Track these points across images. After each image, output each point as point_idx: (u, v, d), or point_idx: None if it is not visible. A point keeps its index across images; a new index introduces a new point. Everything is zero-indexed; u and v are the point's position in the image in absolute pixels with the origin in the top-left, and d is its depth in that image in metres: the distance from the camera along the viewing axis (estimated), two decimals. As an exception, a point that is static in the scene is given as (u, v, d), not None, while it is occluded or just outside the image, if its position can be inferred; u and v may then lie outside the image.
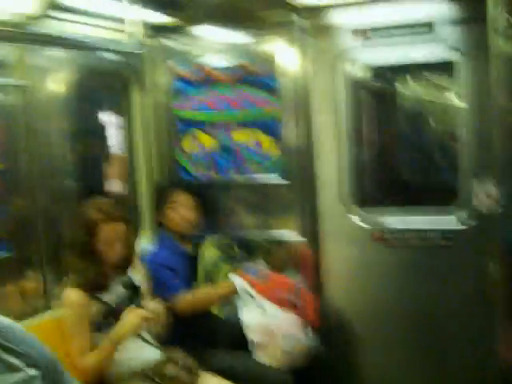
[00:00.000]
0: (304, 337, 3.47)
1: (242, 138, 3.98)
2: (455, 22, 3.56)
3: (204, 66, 4.03)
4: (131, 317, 2.93)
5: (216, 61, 4.05)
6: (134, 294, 3.14)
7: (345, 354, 4.04)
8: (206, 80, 4.03)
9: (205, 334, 3.54)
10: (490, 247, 3.30)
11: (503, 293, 3.18)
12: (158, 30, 4.12)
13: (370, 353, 4.00)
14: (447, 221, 3.73)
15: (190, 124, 4.13)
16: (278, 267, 3.81)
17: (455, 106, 3.88)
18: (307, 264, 3.94)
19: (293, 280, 3.66)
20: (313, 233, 3.95)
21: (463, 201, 3.66)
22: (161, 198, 3.79)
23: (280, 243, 4.00)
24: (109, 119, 4.75)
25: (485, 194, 3.44)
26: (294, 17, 3.81)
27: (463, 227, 3.66)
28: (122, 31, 3.79)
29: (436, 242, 3.72)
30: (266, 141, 3.91)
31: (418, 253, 3.79)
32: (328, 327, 3.93)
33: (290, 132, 3.90)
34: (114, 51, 3.84)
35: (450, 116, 4.88)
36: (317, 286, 3.95)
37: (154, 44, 4.13)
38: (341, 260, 3.99)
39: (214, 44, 4.07)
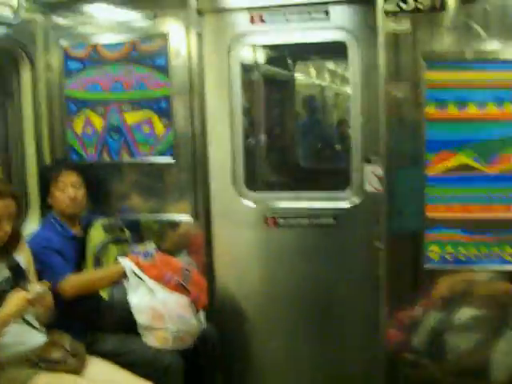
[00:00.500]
0: (193, 319, 3.46)
1: (134, 118, 3.89)
2: (349, 3, 3.58)
3: (96, 45, 3.92)
4: (15, 299, 2.80)
5: (109, 40, 3.92)
6: (18, 276, 3.02)
7: (236, 335, 4.04)
8: (99, 59, 3.92)
9: (92, 317, 3.46)
10: (376, 228, 3.38)
11: (386, 273, 3.24)
12: (50, 7, 3.98)
13: (261, 334, 4.02)
14: (338, 202, 3.78)
15: (81, 104, 4.01)
16: (169, 249, 3.80)
17: (347, 90, 3.93)
18: (198, 246, 3.93)
19: (183, 262, 3.64)
20: (205, 215, 3.91)
21: (354, 184, 3.71)
22: (47, 178, 3.69)
23: (171, 225, 3.96)
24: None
25: (374, 176, 3.51)
26: (190, -3, 3.76)
27: (353, 207, 3.72)
28: (9, 5, 3.64)
29: (326, 223, 3.76)
30: (158, 122, 3.85)
31: (309, 235, 3.82)
32: (219, 309, 3.96)
33: (183, 114, 3.84)
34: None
35: (344, 101, 4.96)
36: (208, 268, 3.95)
37: (45, 22, 3.99)
38: (233, 243, 3.98)
39: (107, 22, 3.95)
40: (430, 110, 3.07)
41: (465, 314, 3.25)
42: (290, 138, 5.41)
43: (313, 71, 5.58)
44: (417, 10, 3.04)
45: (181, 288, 3.47)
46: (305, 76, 5.53)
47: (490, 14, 3.03)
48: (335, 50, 3.99)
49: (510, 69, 3.02)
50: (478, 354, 3.24)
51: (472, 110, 3.04)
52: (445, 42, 3.08)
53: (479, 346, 3.23)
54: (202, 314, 3.61)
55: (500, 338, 3.19)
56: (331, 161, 5.43)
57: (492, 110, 3.03)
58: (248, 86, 3.81)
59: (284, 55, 4.92)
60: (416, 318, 3.30)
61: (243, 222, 3.93)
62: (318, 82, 5.80)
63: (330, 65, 5.59)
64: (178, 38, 3.81)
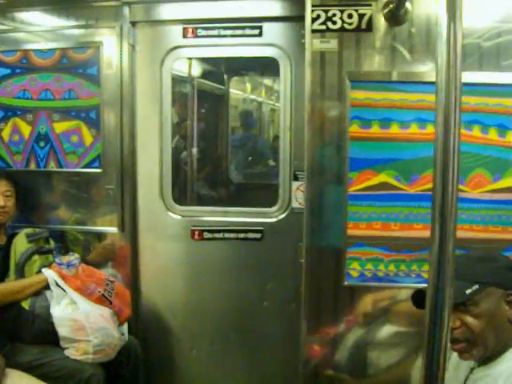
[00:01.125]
0: (116, 331, 3.43)
1: (63, 127, 3.85)
2: (282, 21, 3.65)
3: (27, 52, 3.88)
4: None
5: (40, 47, 3.87)
6: None
7: (160, 347, 4.03)
8: (29, 66, 3.88)
9: (12, 328, 3.40)
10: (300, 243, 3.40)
11: (307, 289, 3.27)
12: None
13: (185, 346, 4.01)
14: (265, 218, 3.81)
15: (9, 111, 3.95)
16: (94, 261, 3.78)
17: (279, 106, 3.97)
18: (124, 259, 3.90)
19: (107, 274, 3.62)
20: (132, 228, 3.89)
21: (282, 200, 3.75)
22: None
23: (98, 237, 3.92)
24: None
25: (301, 193, 3.55)
26: (125, 9, 3.75)
27: (279, 222, 3.76)
28: None
29: (253, 237, 3.80)
30: (86, 132, 3.81)
31: (236, 250, 3.84)
32: (144, 321, 3.96)
33: (112, 125, 3.82)
34: None
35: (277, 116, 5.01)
36: (134, 280, 3.93)
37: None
38: (159, 255, 3.97)
39: (39, 29, 3.91)
40: (354, 129, 3.11)
41: (386, 330, 3.30)
42: (222, 152, 5.42)
43: (249, 86, 5.62)
44: (344, 29, 3.09)
45: (104, 300, 3.44)
46: (240, 91, 5.57)
47: (415, 36, 3.10)
48: (270, 67, 4.04)
49: (432, 91, 3.08)
50: (398, 370, 3.28)
51: (395, 130, 3.09)
52: (370, 63, 3.13)
53: (399, 361, 3.27)
54: (125, 327, 3.59)
55: (420, 354, 3.23)
56: (262, 176, 5.45)
57: (414, 130, 3.09)
58: (181, 99, 3.80)
59: (219, 70, 4.95)
60: (337, 333, 3.32)
61: (170, 235, 3.93)
62: (253, 97, 5.84)
63: (267, 81, 5.63)
64: (111, 48, 3.79)
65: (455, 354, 2.69)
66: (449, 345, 1.49)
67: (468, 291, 2.26)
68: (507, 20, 3.11)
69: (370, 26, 3.08)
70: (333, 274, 3.22)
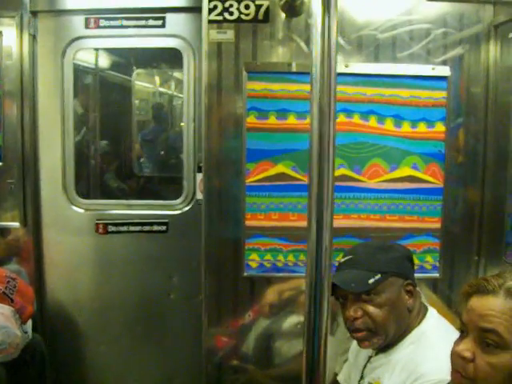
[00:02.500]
0: (18, 330, 3.33)
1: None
2: (185, 12, 3.62)
3: None
4: None
5: None
6: None
7: (67, 343, 3.94)
8: None
9: None
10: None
11: (207, 281, 3.25)
12: None
13: (93, 342, 3.95)
14: (169, 210, 3.79)
15: None
16: (-5, 257, 3.68)
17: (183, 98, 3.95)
18: (28, 254, 3.80)
19: (8, 271, 3.52)
20: (35, 222, 3.79)
21: (186, 192, 3.74)
22: None
23: (0, 232, 3.80)
24: None
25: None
26: (25, -1, 3.66)
27: (184, 215, 3.75)
28: None
29: (158, 230, 3.77)
30: (-14, 124, 3.71)
31: (140, 243, 3.79)
32: (50, 318, 3.88)
33: (13, 117, 3.70)
34: None
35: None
36: (38, 277, 3.83)
37: None
38: (64, 250, 3.88)
39: None
40: (251, 120, 3.10)
41: (289, 321, 3.31)
42: (128, 145, 5.36)
43: (156, 79, 5.58)
44: (241, 20, 3.08)
45: (4, 298, 3.35)
46: (147, 83, 5.52)
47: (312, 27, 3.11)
48: (175, 58, 4.00)
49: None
50: (302, 360, 3.30)
51: (292, 121, 3.10)
52: (268, 54, 3.12)
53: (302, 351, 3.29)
54: (29, 324, 3.50)
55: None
56: (169, 169, 5.42)
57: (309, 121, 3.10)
58: (84, 90, 3.73)
59: (124, 61, 4.89)
60: (240, 325, 3.32)
61: (74, 229, 3.84)
62: (160, 89, 5.80)
63: (174, 73, 5.59)
64: (11, 38, 3.67)
65: (356, 344, 2.74)
66: (328, 334, 1.49)
67: (371, 281, 2.30)
68: (403, 13, 3.15)
69: (266, 17, 3.07)
70: (232, 266, 3.22)
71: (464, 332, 1.75)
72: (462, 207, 3.30)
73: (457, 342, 1.76)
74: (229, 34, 3.08)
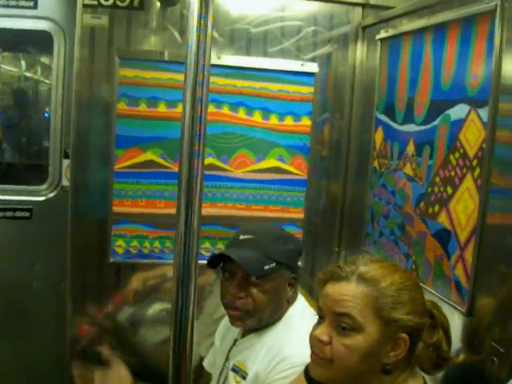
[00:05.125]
0: None
1: None
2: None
3: None
4: None
5: None
6: None
7: None
8: None
9: None
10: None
11: (72, 268, 3.22)
12: None
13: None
14: (33, 196, 3.72)
15: None
16: None
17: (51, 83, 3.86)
18: None
19: None
20: None
21: (52, 178, 3.70)
22: None
23: None
24: None
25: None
26: None
27: (48, 201, 3.71)
28: None
29: (21, 216, 3.70)
30: None
31: (3, 229, 3.69)
32: None
33: None
34: None
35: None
36: None
37: None
38: None
39: None
40: (122, 107, 3.08)
41: (154, 308, 3.32)
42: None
43: (24, 63, 5.42)
44: (116, 6, 3.05)
45: None
46: (14, 67, 5.35)
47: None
48: (46, 42, 3.91)
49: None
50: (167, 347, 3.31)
51: (162, 109, 3.11)
52: (142, 41, 3.11)
53: (168, 338, 3.30)
54: None
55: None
56: (33, 155, 5.27)
57: (181, 110, 3.11)
58: None
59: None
60: (106, 312, 3.30)
61: None
62: (28, 74, 5.63)
63: (46, 57, 5.44)
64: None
65: (222, 327, 2.78)
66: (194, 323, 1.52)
67: (266, 267, 2.33)
68: (275, 9, 3.24)
69: (142, 5, 3.06)
70: (98, 252, 3.19)
71: (321, 317, 1.84)
72: (325, 199, 3.44)
73: (315, 327, 1.85)
74: (103, 20, 3.05)
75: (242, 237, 2.45)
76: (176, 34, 3.13)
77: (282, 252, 2.40)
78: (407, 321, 1.74)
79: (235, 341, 2.56)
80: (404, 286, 1.79)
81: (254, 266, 2.32)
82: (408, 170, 2.69)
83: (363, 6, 3.32)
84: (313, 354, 1.82)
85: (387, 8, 3.12)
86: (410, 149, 2.68)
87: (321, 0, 3.29)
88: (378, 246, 3.03)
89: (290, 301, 2.46)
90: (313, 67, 3.28)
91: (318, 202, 3.41)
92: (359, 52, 3.35)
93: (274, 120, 3.25)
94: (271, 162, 3.28)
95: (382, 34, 3.05)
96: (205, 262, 2.36)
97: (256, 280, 2.33)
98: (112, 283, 3.26)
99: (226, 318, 2.65)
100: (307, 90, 3.28)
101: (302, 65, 3.27)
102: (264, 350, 2.39)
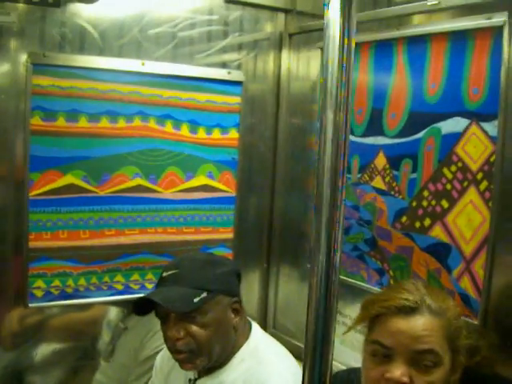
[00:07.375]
0: None
1: None
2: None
3: None
4: None
5: None
6: None
7: None
8: None
9: None
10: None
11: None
12: None
13: None
14: None
15: None
16: None
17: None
18: None
19: None
20: None
21: None
22: None
23: None
24: None
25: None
26: None
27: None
28: None
29: None
30: None
31: None
32: None
33: None
34: None
35: None
36: None
37: None
38: None
39: None
40: (36, 121, 2.56)
41: (43, 349, 2.86)
42: None
43: None
44: (29, 1, 2.51)
45: None
46: None
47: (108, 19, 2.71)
48: None
49: (125, 81, 2.75)
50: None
51: (83, 124, 2.65)
52: (60, 44, 2.60)
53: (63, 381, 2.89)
54: None
55: (96, 371, 2.92)
56: None
57: (105, 124, 2.70)
58: None
59: None
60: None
61: None
62: None
63: None
64: None
65: (160, 368, 2.56)
66: None
67: (196, 300, 2.13)
68: (202, 12, 2.94)
69: (58, 2, 2.56)
70: (13, 297, 2.67)
71: (387, 356, 1.70)
72: (253, 215, 3.22)
73: (380, 369, 1.69)
74: (13, 17, 2.49)
75: (165, 274, 2.25)
76: (97, 36, 2.68)
77: (213, 278, 2.23)
78: (466, 344, 1.75)
79: (194, 381, 2.34)
80: (459, 311, 1.82)
81: (182, 302, 2.12)
82: (379, 183, 2.58)
83: (287, 12, 3.15)
84: None
85: (312, 15, 3.01)
86: (380, 162, 2.56)
87: (246, 4, 3.04)
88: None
89: (238, 328, 2.27)
90: (239, 75, 3.04)
91: (247, 219, 3.19)
92: (285, 59, 3.18)
93: (201, 133, 2.95)
94: (201, 180, 2.97)
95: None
96: (130, 297, 2.44)
97: (190, 315, 2.14)
98: (31, 332, 2.75)
99: (162, 355, 2.52)
100: (234, 100, 3.03)
101: (228, 73, 3.01)
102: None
